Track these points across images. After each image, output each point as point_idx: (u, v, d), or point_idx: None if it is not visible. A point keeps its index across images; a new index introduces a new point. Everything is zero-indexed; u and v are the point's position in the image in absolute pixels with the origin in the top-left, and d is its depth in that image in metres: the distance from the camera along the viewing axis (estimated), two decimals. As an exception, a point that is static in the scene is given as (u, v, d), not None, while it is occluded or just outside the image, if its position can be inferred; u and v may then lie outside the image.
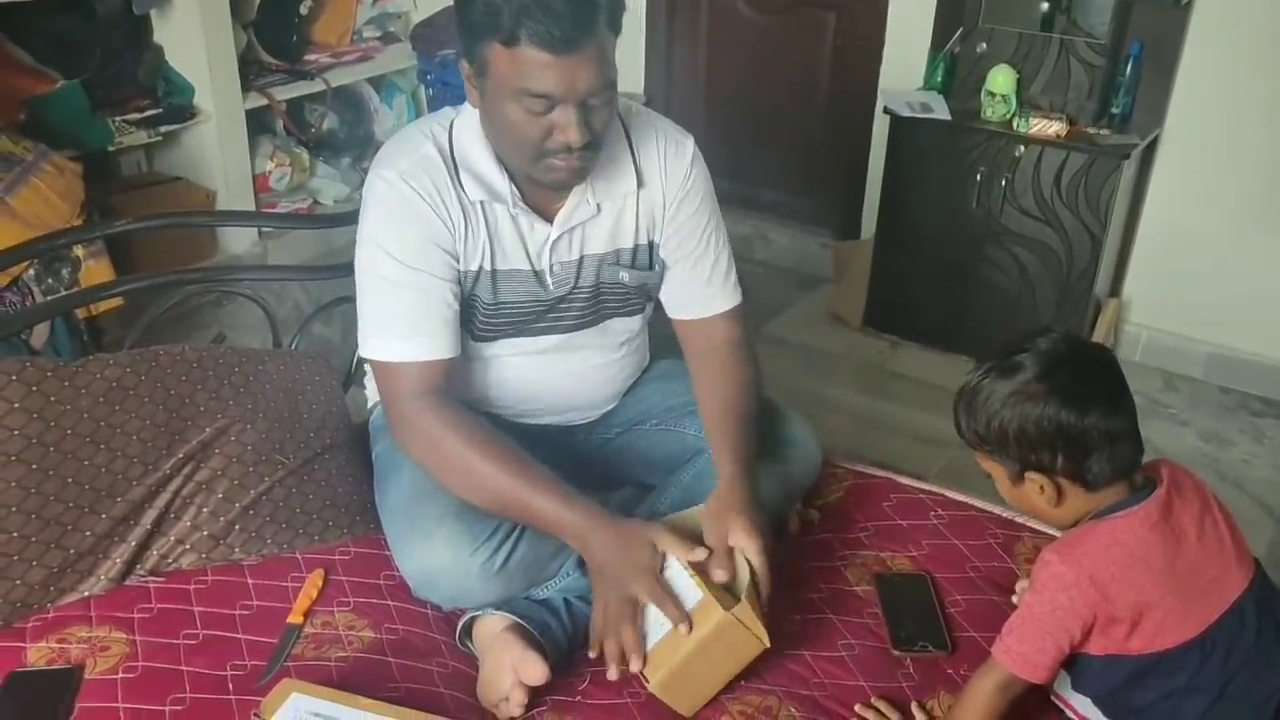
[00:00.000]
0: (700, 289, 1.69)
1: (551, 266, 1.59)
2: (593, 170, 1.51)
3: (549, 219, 1.57)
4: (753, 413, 1.62)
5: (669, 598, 1.38)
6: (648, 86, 4.02)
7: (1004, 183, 3.06)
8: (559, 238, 1.58)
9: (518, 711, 1.37)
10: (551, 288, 1.60)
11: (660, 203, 1.63)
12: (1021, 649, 1.31)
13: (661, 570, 1.42)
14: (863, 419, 3.03)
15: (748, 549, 1.42)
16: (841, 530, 1.77)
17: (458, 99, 1.61)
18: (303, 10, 3.74)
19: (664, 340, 1.81)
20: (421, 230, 1.51)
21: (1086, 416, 1.28)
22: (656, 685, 1.38)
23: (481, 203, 1.53)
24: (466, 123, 1.55)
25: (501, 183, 1.53)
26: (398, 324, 1.53)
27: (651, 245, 1.66)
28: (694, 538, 1.45)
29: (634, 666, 1.38)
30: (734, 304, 1.71)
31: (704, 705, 1.40)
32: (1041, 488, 1.33)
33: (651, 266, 1.67)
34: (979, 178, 3.09)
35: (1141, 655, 1.31)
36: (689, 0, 3.95)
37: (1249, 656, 1.30)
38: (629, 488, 1.76)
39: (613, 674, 1.39)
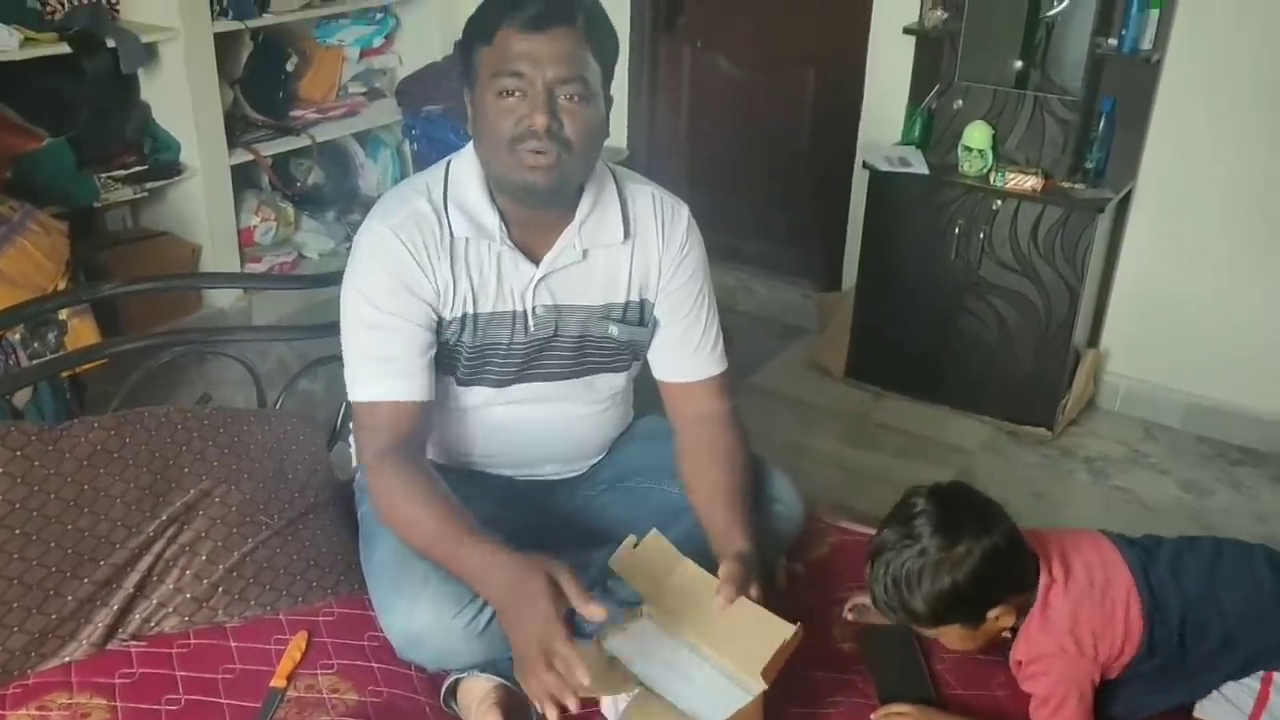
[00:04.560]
0: (689, 354, 1.72)
1: (534, 309, 1.62)
2: (567, 179, 1.54)
3: (535, 260, 1.60)
4: (751, 484, 1.66)
5: (567, 648, 1.31)
6: (630, 140, 4.07)
7: (982, 235, 3.10)
8: (543, 279, 1.60)
9: None
10: (533, 329, 1.62)
11: (656, 264, 1.67)
12: None
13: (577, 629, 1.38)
14: (847, 469, 3.04)
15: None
16: (827, 587, 1.77)
17: (442, 154, 1.67)
18: (289, 67, 3.77)
19: (648, 396, 1.83)
20: (401, 279, 1.55)
21: (1000, 532, 1.45)
22: None
23: (468, 241, 1.57)
24: (463, 160, 1.61)
25: (491, 218, 1.57)
26: (369, 365, 1.56)
27: (644, 303, 1.69)
28: (650, 570, 1.48)
29: (571, 705, 1.31)
30: (720, 371, 1.74)
31: None
32: (999, 617, 1.46)
33: (643, 323, 1.70)
34: (957, 230, 3.13)
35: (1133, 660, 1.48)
36: (671, 55, 4.01)
37: (1172, 575, 1.50)
38: (612, 546, 1.77)
39: (552, 715, 1.32)
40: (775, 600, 1.50)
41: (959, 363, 3.28)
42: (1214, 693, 1.49)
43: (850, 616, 1.70)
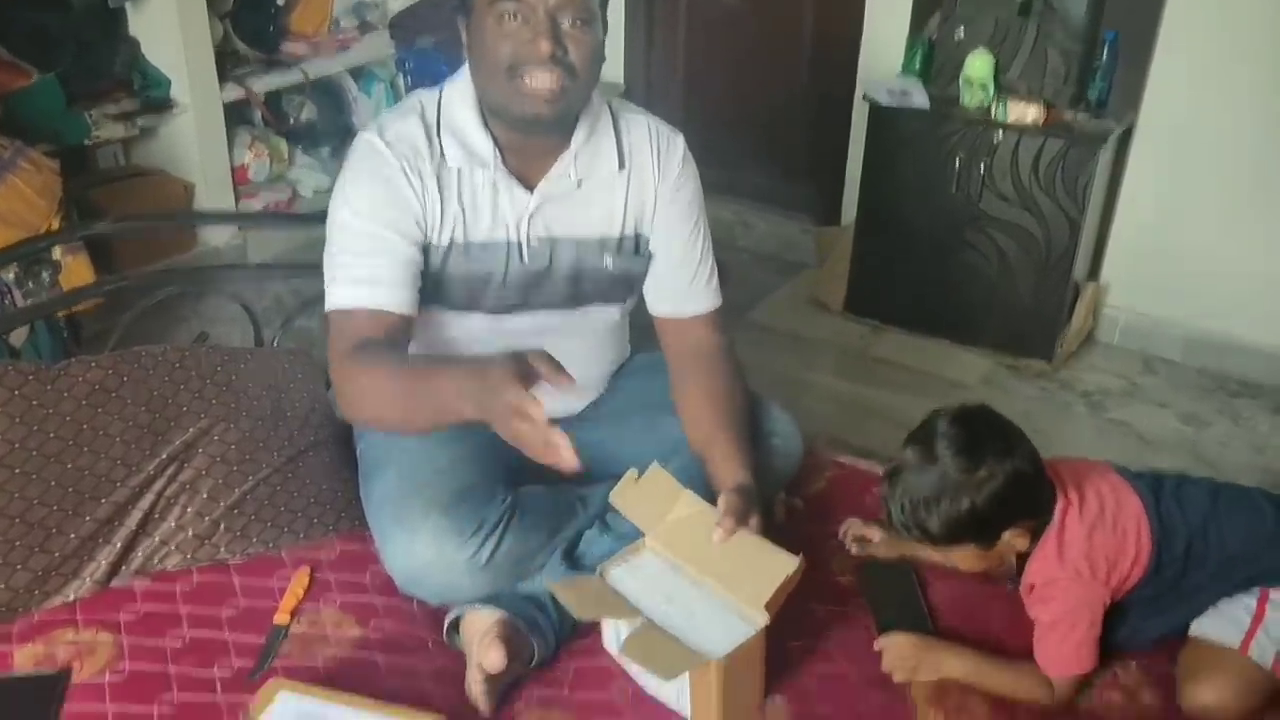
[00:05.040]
0: (683, 287, 1.72)
1: (528, 239, 1.60)
2: (571, 105, 1.52)
3: (529, 188, 1.58)
4: (747, 418, 1.66)
5: (521, 396, 1.24)
6: (627, 74, 4.01)
7: (982, 168, 3.07)
8: (538, 209, 1.59)
9: (481, 699, 1.38)
10: (527, 261, 1.61)
11: (651, 195, 1.66)
12: (1067, 653, 1.46)
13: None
14: (845, 403, 3.04)
15: None
16: (825, 520, 1.78)
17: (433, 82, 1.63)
18: (279, 0, 3.71)
19: (642, 332, 1.82)
20: (390, 193, 1.53)
21: (1022, 456, 1.44)
22: None
23: (459, 171, 1.55)
24: (457, 86, 1.58)
25: (485, 145, 1.55)
26: (347, 272, 1.52)
27: (639, 236, 1.68)
28: (651, 503, 1.49)
29: (569, 457, 1.25)
30: (715, 306, 1.74)
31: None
32: (1013, 539, 1.47)
33: (638, 255, 1.69)
34: (958, 164, 3.10)
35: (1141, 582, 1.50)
36: (668, -14, 3.95)
37: (1177, 504, 1.52)
38: (611, 481, 1.77)
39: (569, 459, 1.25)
40: (774, 535, 1.50)
41: (958, 296, 3.27)
42: (1210, 609, 1.50)
43: (854, 549, 1.71)
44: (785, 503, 1.79)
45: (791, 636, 1.53)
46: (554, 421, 1.76)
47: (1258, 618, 1.47)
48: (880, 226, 3.33)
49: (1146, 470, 1.60)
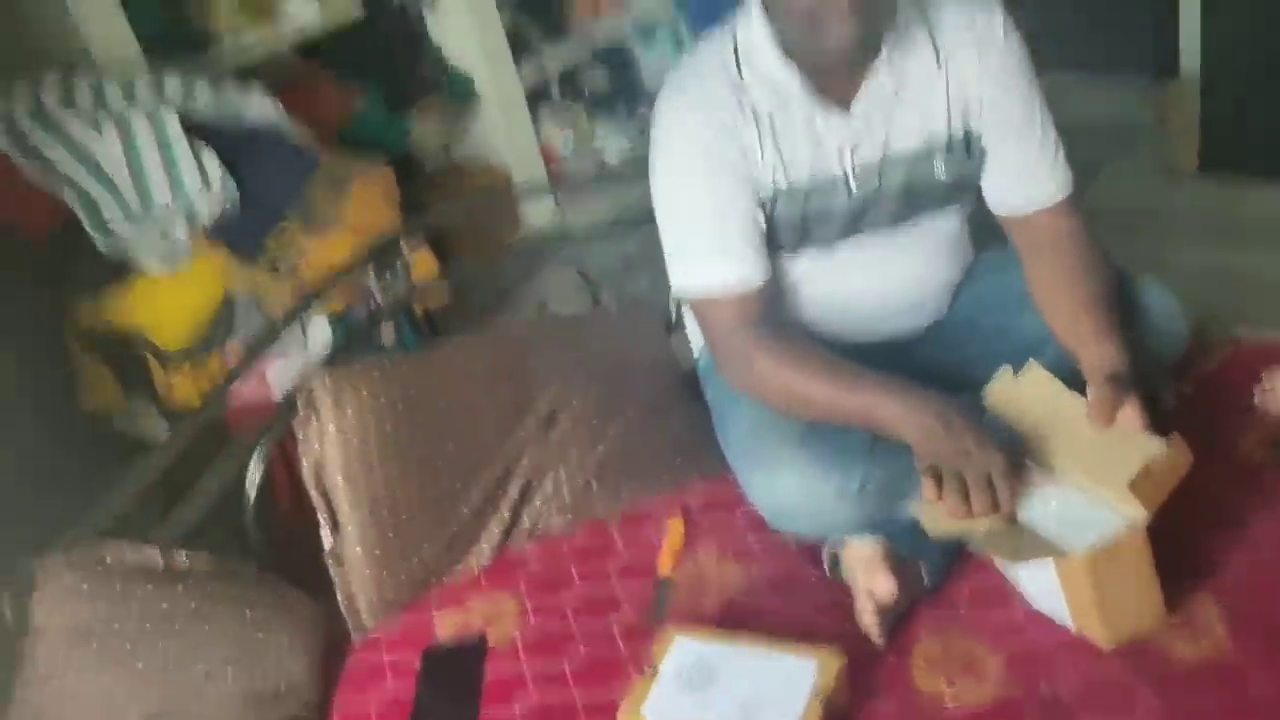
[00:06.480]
0: (1028, 178, 1.56)
1: (853, 166, 1.51)
2: (874, 38, 1.42)
3: (845, 107, 1.49)
4: (1114, 298, 1.50)
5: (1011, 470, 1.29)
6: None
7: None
8: (861, 133, 1.50)
9: (874, 628, 1.35)
10: (855, 189, 1.53)
11: (975, 82, 1.52)
12: None
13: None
14: (1219, 276, 2.71)
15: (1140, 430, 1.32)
16: (1224, 402, 1.60)
17: (715, 20, 1.57)
18: (554, -24, 3.80)
19: (986, 230, 1.69)
20: (714, 157, 1.48)
21: None
22: (1110, 640, 1.29)
23: (772, 115, 1.49)
24: (749, 23, 1.50)
25: (791, 80, 1.47)
26: (704, 252, 1.51)
27: (968, 134, 1.55)
28: (1027, 403, 1.39)
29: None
30: (1066, 189, 1.57)
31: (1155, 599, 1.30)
32: None
33: (970, 155, 1.56)
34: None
35: None
36: None
37: None
38: (969, 393, 1.67)
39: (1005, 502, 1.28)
40: (1165, 424, 1.34)
41: (1340, 130, 2.83)
42: None
43: None
44: (1175, 389, 1.62)
45: (1206, 529, 1.38)
46: (902, 343, 1.71)
47: None
48: (1231, 69, 2.94)
49: None
